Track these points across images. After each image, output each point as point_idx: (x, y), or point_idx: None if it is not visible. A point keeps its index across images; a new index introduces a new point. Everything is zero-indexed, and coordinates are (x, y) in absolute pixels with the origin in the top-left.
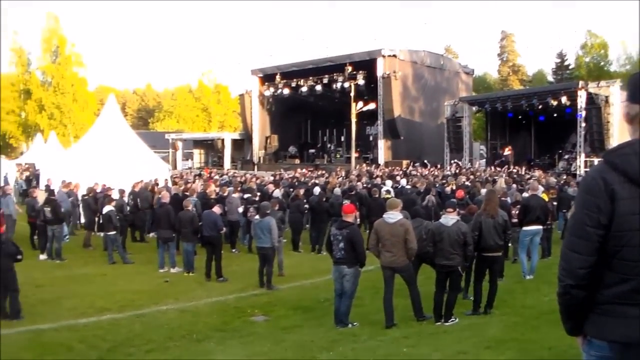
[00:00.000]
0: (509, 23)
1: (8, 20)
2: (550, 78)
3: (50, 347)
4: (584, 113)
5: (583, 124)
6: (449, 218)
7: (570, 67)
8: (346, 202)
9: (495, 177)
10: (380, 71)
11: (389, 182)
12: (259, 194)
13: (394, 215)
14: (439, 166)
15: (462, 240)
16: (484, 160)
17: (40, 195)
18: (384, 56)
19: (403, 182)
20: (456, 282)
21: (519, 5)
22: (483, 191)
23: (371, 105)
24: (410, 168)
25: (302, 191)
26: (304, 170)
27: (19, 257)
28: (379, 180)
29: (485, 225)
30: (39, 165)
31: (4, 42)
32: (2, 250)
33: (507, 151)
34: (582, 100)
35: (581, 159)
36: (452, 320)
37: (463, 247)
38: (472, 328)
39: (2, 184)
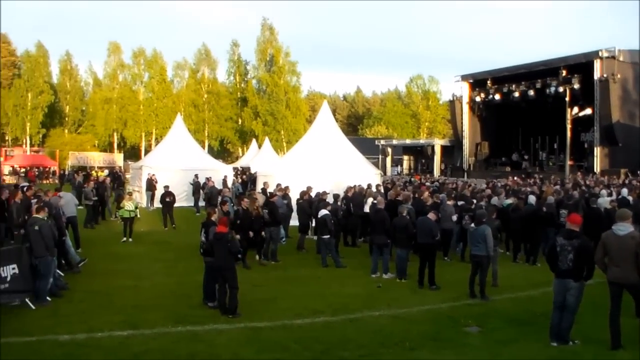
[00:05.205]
0: None
1: None
2: None
3: (267, 345)
4: None
5: None
6: None
7: None
8: (563, 211)
9: None
10: (597, 74)
11: (603, 192)
12: (474, 201)
13: (624, 227)
14: None
15: None
16: None
17: (259, 199)
18: (601, 58)
19: (624, 191)
20: None
21: None
22: None
23: (587, 111)
24: (630, 177)
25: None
26: (515, 178)
27: (240, 256)
28: (597, 189)
29: None
30: (254, 169)
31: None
32: (228, 249)
33: None
34: None
35: None
36: None
37: None
38: None
39: (221, 187)
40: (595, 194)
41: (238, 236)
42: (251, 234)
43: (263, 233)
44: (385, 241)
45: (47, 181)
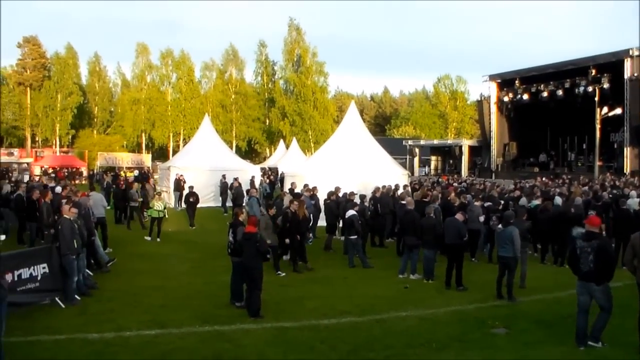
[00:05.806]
0: None
1: None
2: None
3: (293, 345)
4: None
5: None
6: None
7: None
8: (592, 212)
9: None
10: (627, 73)
11: (633, 193)
12: (502, 202)
13: None
14: None
15: None
16: None
17: (286, 198)
18: (631, 57)
19: None
20: None
21: None
22: None
23: (617, 110)
24: None
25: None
26: (544, 178)
27: (268, 256)
28: (626, 190)
29: None
30: (281, 170)
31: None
32: (257, 249)
33: None
34: None
35: None
36: None
37: None
38: None
39: (249, 187)
40: (624, 195)
41: (288, 240)
42: (298, 237)
43: (311, 235)
44: (416, 242)
45: (76, 181)
